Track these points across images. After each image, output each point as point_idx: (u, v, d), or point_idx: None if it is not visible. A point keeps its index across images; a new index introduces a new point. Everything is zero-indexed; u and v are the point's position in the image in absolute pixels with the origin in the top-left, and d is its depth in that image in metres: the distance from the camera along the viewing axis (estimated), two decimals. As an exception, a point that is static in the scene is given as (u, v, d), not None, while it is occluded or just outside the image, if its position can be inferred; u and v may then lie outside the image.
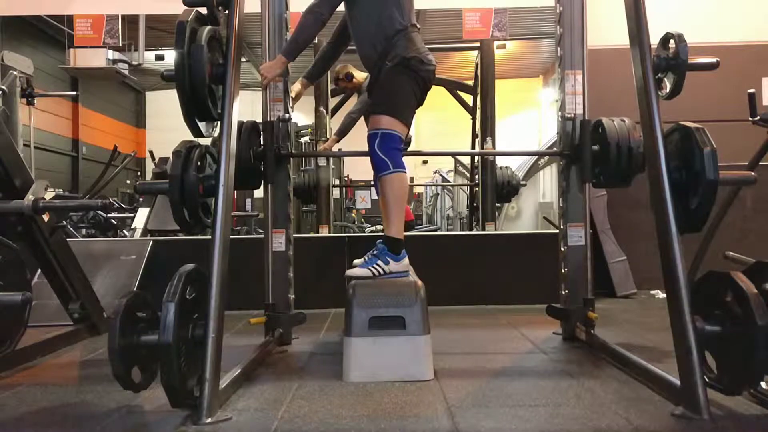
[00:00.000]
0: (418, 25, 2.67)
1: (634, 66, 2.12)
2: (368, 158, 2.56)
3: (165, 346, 1.68)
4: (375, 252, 2.53)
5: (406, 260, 2.55)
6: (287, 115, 2.86)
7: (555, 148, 2.99)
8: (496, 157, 6.04)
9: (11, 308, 2.29)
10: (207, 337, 1.80)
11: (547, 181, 9.71)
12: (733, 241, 3.52)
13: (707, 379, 1.80)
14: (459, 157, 9.95)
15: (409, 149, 5.07)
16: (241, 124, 2.63)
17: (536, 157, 9.30)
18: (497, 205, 6.34)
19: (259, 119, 2.83)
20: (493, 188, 5.83)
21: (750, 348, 1.69)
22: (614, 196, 4.54)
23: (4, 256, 2.43)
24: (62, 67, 11.16)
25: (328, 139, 5.76)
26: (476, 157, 6.46)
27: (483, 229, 5.66)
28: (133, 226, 5.53)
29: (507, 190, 6.13)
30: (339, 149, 5.02)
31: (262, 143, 2.78)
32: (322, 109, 5.62)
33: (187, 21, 2.03)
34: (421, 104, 2.70)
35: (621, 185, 2.73)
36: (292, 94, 2.95)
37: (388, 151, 2.47)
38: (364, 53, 2.68)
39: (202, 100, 2.07)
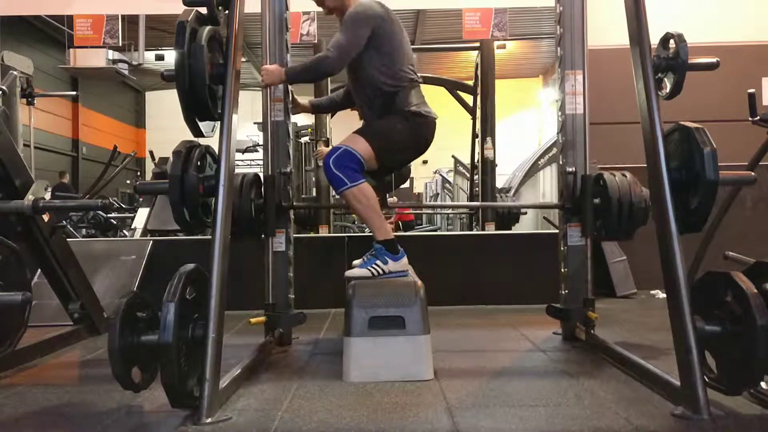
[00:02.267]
0: (419, 79, 2.67)
1: (634, 66, 2.12)
2: None
3: (165, 346, 1.68)
4: (373, 253, 2.53)
5: (405, 259, 2.55)
6: (289, 168, 2.86)
7: (555, 201, 2.99)
8: (495, 159, 6.04)
9: (11, 308, 2.29)
10: (207, 337, 1.80)
11: (547, 181, 9.72)
12: (733, 241, 3.52)
13: (707, 379, 1.80)
14: (459, 158, 9.96)
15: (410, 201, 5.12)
16: (242, 177, 2.65)
17: (536, 157, 9.30)
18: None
19: (259, 119, 2.83)
20: (493, 188, 5.84)
21: (750, 348, 1.69)
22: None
23: (4, 256, 2.43)
24: (62, 67, 11.17)
25: (328, 139, 5.77)
26: (476, 158, 6.46)
27: (483, 229, 5.66)
28: (133, 226, 5.53)
29: (507, 219, 6.15)
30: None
31: (262, 195, 2.77)
32: (322, 109, 5.61)
33: (187, 21, 2.03)
34: (419, 153, 2.68)
35: (623, 239, 2.74)
36: (299, 102, 2.94)
37: (340, 168, 2.43)
38: (367, 107, 2.69)
39: (202, 100, 2.07)
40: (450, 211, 10.18)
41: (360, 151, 2.47)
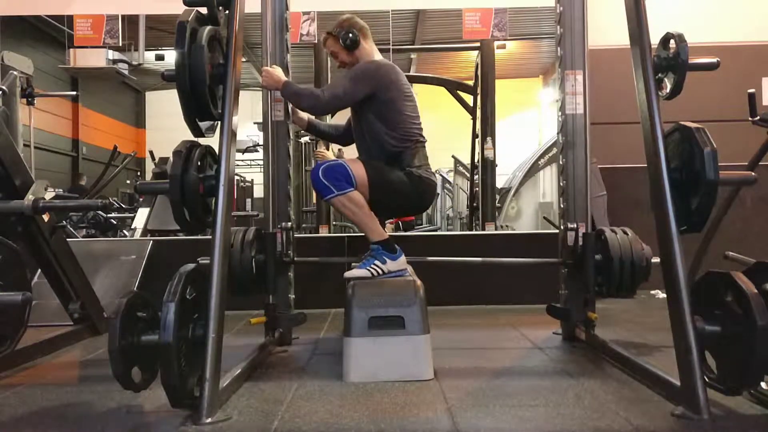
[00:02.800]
0: (424, 139, 2.67)
1: (634, 66, 2.12)
2: None
3: (165, 346, 1.68)
4: (371, 253, 2.53)
5: (403, 258, 2.55)
6: (289, 224, 2.86)
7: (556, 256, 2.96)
8: (496, 159, 6.03)
9: (11, 308, 2.29)
10: (207, 337, 1.81)
11: (547, 181, 9.71)
12: (733, 241, 3.52)
13: (707, 379, 1.80)
14: (459, 158, 9.95)
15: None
16: (243, 232, 2.65)
17: (536, 157, 9.30)
18: (497, 205, 6.36)
19: (259, 119, 2.83)
20: (493, 188, 5.84)
21: (750, 348, 1.69)
22: (614, 196, 4.54)
23: (4, 256, 2.43)
24: (62, 67, 11.15)
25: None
26: (476, 157, 6.46)
27: (483, 229, 5.66)
28: (133, 226, 5.53)
29: None
30: (339, 150, 5.01)
31: (263, 250, 2.75)
32: (322, 109, 5.62)
33: (188, 21, 2.03)
34: (416, 208, 2.71)
35: (625, 296, 2.74)
36: (296, 115, 2.91)
37: (329, 179, 2.42)
38: (369, 157, 2.67)
39: (202, 100, 2.07)
40: (449, 202, 10.15)
41: (354, 171, 2.45)
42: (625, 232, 2.68)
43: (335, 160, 2.50)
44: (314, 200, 7.04)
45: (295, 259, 2.93)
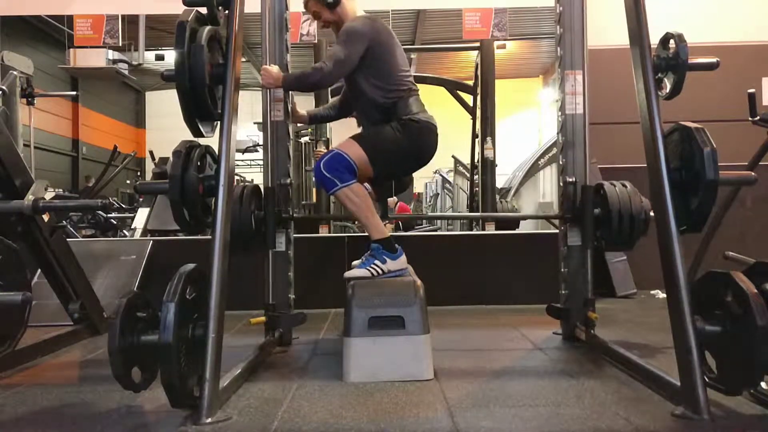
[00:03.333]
0: (416, 88, 2.68)
1: (634, 66, 2.12)
2: None
3: (165, 346, 1.68)
4: (371, 253, 2.53)
5: (403, 257, 2.55)
6: (288, 180, 2.86)
7: (555, 211, 2.97)
8: (496, 159, 6.03)
9: (11, 308, 2.29)
10: (207, 337, 1.80)
11: (547, 181, 9.72)
12: (733, 241, 3.52)
13: (707, 379, 1.80)
14: (459, 158, 9.96)
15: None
16: (242, 188, 2.65)
17: (536, 157, 9.31)
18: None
19: (259, 119, 2.83)
20: (493, 188, 5.84)
21: (750, 348, 1.69)
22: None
23: (4, 256, 2.43)
24: (62, 67, 11.17)
25: (328, 140, 5.77)
26: (476, 157, 6.46)
27: (483, 229, 5.66)
28: (133, 226, 5.53)
29: (506, 224, 6.13)
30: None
31: (263, 207, 2.75)
32: (322, 109, 5.62)
33: (187, 21, 2.03)
34: (421, 162, 2.68)
35: (623, 249, 2.74)
36: (297, 113, 2.94)
37: (331, 170, 2.44)
38: (367, 119, 2.72)
39: (202, 100, 2.07)
40: (449, 215, 10.18)
41: (352, 155, 2.48)
42: (624, 185, 2.69)
43: (332, 151, 2.51)
44: (314, 199, 7.05)
45: (294, 215, 2.95)
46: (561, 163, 2.92)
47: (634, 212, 2.58)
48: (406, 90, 2.63)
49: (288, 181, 2.87)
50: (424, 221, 12.19)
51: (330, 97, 5.73)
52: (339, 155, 2.48)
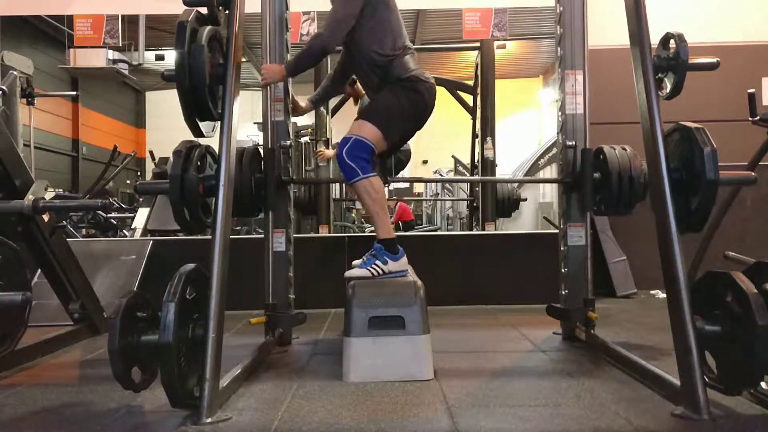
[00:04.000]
0: (411, 46, 2.67)
1: (634, 66, 2.12)
2: None
3: (165, 346, 1.68)
4: (372, 253, 2.53)
5: (404, 259, 2.55)
6: (288, 142, 2.85)
7: (552, 155, 2.98)
8: (496, 157, 6.03)
9: (11, 308, 2.29)
10: (207, 337, 1.80)
11: (547, 181, 9.70)
12: (733, 241, 3.52)
13: (707, 379, 1.80)
14: (459, 158, 9.96)
15: (410, 151, 5.12)
16: (242, 151, 2.64)
17: (536, 157, 9.31)
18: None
19: (259, 119, 2.83)
20: (493, 188, 5.84)
21: (750, 348, 1.69)
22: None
23: (4, 256, 2.43)
24: (62, 67, 11.17)
25: (328, 139, 5.76)
26: (476, 158, 6.46)
27: (483, 229, 5.66)
28: (133, 226, 5.53)
29: (508, 205, 6.14)
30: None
31: (262, 169, 2.76)
32: (322, 109, 5.62)
33: (188, 21, 2.03)
34: (420, 124, 2.67)
35: (622, 213, 2.74)
36: (298, 105, 2.94)
37: (354, 159, 2.45)
38: (365, 83, 2.73)
39: (202, 100, 2.07)
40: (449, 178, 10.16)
41: (369, 137, 2.48)
42: (624, 149, 2.68)
43: (350, 137, 2.49)
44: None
45: (294, 178, 2.95)
46: (561, 163, 2.92)
47: (633, 174, 2.58)
48: (403, 47, 2.62)
49: (288, 143, 2.86)
50: (424, 221, 12.22)
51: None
52: (359, 141, 2.47)
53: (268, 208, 2.78)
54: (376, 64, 2.60)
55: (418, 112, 2.63)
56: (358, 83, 4.39)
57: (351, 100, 3.34)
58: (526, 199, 6.63)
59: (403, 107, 2.57)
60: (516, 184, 6.58)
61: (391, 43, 2.58)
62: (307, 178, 6.58)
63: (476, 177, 6.45)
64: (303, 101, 2.98)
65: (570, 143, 2.83)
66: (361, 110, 2.95)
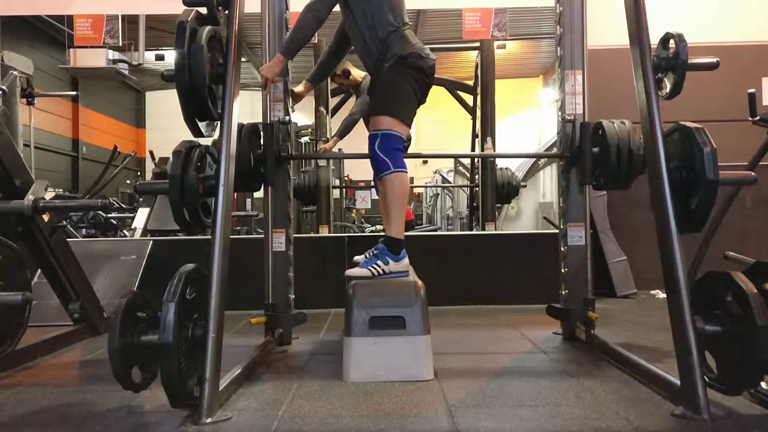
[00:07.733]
0: (410, 23, 2.68)
1: (634, 66, 2.12)
2: (368, 159, 2.56)
3: (165, 346, 1.68)
4: (375, 252, 2.53)
5: (406, 260, 2.55)
6: (287, 117, 2.86)
7: (555, 149, 2.99)
8: (497, 158, 6.04)
9: (11, 308, 2.29)
10: (207, 337, 1.81)
11: (547, 181, 9.71)
12: (733, 241, 3.52)
13: (707, 379, 1.80)
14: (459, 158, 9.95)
15: (409, 150, 5.11)
16: (241, 127, 2.63)
17: (536, 157, 9.31)
18: (497, 205, 6.35)
19: (259, 119, 2.83)
20: (493, 188, 5.84)
21: (750, 348, 1.70)
22: (614, 196, 4.55)
23: (4, 256, 2.43)
24: (62, 67, 11.16)
25: (328, 139, 5.76)
26: (476, 158, 6.46)
27: (483, 229, 5.66)
28: (133, 226, 5.53)
29: (507, 190, 6.15)
30: (339, 149, 5.02)
31: (262, 145, 2.78)
32: (322, 109, 5.62)
33: (187, 21, 2.03)
34: (423, 101, 2.69)
35: (621, 187, 2.73)
36: (297, 92, 2.95)
37: (388, 152, 2.47)
38: (362, 56, 2.71)
39: (202, 100, 2.07)
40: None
41: (394, 128, 2.49)
42: (623, 122, 2.68)
43: (379, 131, 2.48)
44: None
45: (292, 153, 2.96)
46: (561, 162, 2.92)
47: (632, 148, 2.58)
48: (402, 23, 2.61)
49: (287, 118, 2.86)
50: (424, 221, 12.21)
51: (330, 91, 5.73)
52: (389, 135, 2.48)
53: (268, 182, 2.78)
54: (378, 37, 2.59)
55: (423, 88, 2.64)
56: (352, 74, 4.37)
57: (350, 99, 3.33)
58: (525, 185, 6.62)
59: (413, 89, 2.58)
60: (515, 173, 6.55)
61: (390, 17, 2.58)
62: (307, 154, 6.55)
63: (476, 153, 6.41)
64: (300, 85, 2.98)
65: (569, 117, 2.82)
66: (371, 101, 2.91)
